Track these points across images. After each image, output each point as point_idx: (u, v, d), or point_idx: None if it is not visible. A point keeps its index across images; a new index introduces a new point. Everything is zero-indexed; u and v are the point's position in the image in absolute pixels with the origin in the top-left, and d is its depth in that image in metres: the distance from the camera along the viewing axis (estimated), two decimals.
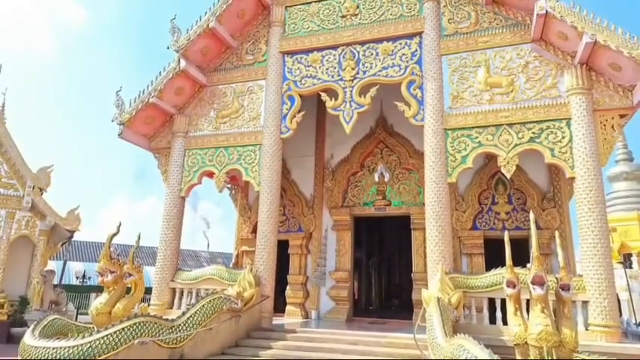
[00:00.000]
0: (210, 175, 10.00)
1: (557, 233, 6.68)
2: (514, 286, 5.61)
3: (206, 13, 9.69)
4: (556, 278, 5.58)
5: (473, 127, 8.04)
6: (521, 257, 7.14)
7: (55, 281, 15.42)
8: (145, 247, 27.86)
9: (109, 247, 6.88)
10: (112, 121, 9.80)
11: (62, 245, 14.61)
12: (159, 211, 10.11)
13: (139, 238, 7.47)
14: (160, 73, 9.82)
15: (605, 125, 7.34)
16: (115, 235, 7.03)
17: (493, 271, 7.36)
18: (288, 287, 11.39)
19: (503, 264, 6.33)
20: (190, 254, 31.78)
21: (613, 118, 7.38)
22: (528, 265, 5.91)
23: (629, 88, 7.27)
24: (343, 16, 9.55)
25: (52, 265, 16.69)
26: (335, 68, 9.31)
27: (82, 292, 19.78)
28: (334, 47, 9.43)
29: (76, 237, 14.57)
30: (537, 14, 7.49)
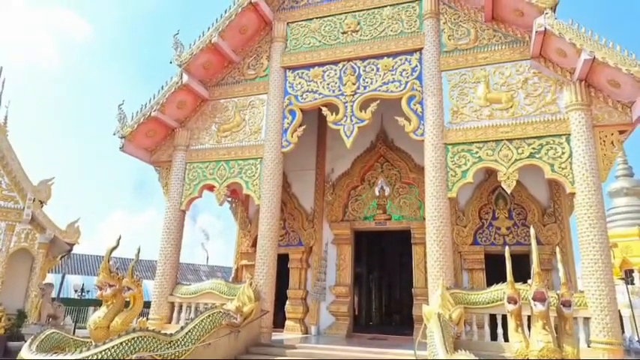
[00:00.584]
0: (211, 188, 10.02)
1: (557, 249, 6.67)
2: (515, 302, 5.59)
3: (209, 28, 9.82)
4: (557, 294, 5.55)
5: (473, 142, 8.07)
6: (522, 273, 7.12)
7: (54, 295, 15.32)
8: (144, 260, 27.77)
9: (109, 261, 6.86)
10: (114, 134, 9.86)
11: (61, 258, 14.55)
12: (158, 224, 10.11)
13: (139, 252, 7.46)
14: (163, 87, 9.91)
15: (604, 141, 7.36)
16: (114, 248, 7.01)
17: (494, 287, 7.31)
18: (287, 302, 11.31)
19: (504, 279, 6.31)
20: (190, 268, 31.64)
21: (612, 134, 7.40)
22: (529, 281, 5.89)
23: (627, 105, 7.31)
24: (344, 32, 9.66)
25: (51, 278, 16.59)
26: (336, 83, 9.39)
27: (80, 305, 19.65)
28: (335, 62, 9.52)
29: (76, 250, 14.49)
30: (536, 31, 7.57)
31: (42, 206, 13.14)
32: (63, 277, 19.40)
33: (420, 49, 8.93)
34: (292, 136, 9.48)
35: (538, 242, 6.63)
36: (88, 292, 19.23)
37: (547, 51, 7.89)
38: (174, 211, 9.86)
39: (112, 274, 6.86)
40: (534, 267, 5.63)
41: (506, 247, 6.49)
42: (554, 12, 7.50)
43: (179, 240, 9.89)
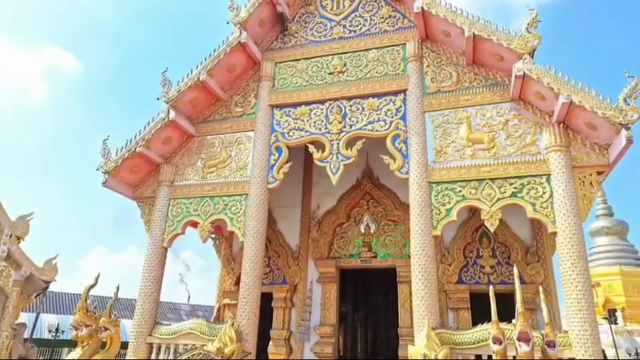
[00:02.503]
0: (195, 224, 9.89)
1: (541, 288, 6.69)
2: (500, 343, 5.54)
3: (197, 66, 9.98)
4: (541, 334, 5.53)
5: (456, 181, 8.20)
6: (507, 312, 7.07)
7: (26, 335, 14.65)
8: (123, 298, 26.92)
9: (86, 300, 6.65)
10: (97, 169, 9.77)
11: (36, 296, 14.02)
12: (139, 261, 9.91)
13: (118, 290, 7.27)
14: (149, 122, 9.93)
15: (583, 182, 7.54)
16: (92, 286, 6.82)
17: (479, 327, 7.24)
18: (270, 343, 10.99)
19: (489, 319, 6.26)
20: (170, 307, 30.75)
21: (591, 174, 7.59)
22: (514, 321, 5.86)
23: (605, 147, 7.55)
24: (331, 73, 9.91)
25: (24, 317, 15.92)
26: (322, 121, 9.54)
27: (54, 346, 18.80)
28: (322, 102, 9.71)
29: (52, 287, 14.00)
30: (515, 75, 7.87)
31: (19, 242, 12.77)
32: (37, 317, 18.63)
33: (404, 91, 9.19)
34: (278, 173, 9.52)
35: (522, 281, 6.65)
36: (62, 332, 18.48)
37: (526, 94, 8.18)
38: (156, 248, 9.67)
39: (88, 313, 6.65)
40: (518, 306, 5.62)
41: (491, 287, 6.48)
42: (533, 57, 7.83)
43: (160, 278, 9.65)
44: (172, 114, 9.79)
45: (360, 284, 15.36)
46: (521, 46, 7.81)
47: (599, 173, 7.64)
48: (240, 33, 9.94)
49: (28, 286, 13.09)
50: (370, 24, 10.10)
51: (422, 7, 8.84)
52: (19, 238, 12.80)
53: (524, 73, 7.72)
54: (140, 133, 9.88)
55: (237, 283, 10.03)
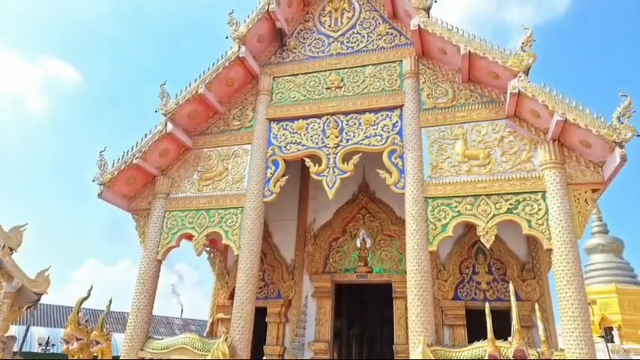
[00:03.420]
0: (190, 237, 9.83)
1: (537, 306, 6.67)
2: None
3: (196, 80, 10.04)
4: (537, 352, 5.49)
5: (452, 197, 8.22)
6: (503, 329, 7.03)
7: (16, 348, 14.40)
8: (116, 312, 26.59)
9: (78, 312, 6.58)
10: (93, 181, 9.74)
11: (27, 309, 13.82)
12: (132, 274, 9.80)
13: (110, 303, 7.20)
14: (146, 134, 9.94)
15: (578, 199, 7.57)
16: (85, 299, 6.76)
17: (475, 344, 7.18)
18: (264, 359, 10.85)
19: (485, 336, 6.22)
20: (162, 321, 30.38)
21: (586, 192, 7.63)
22: (510, 339, 5.83)
23: (599, 164, 7.60)
24: (328, 88, 9.99)
25: (14, 330, 15.70)
26: (319, 135, 9.58)
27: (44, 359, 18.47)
28: (319, 116, 9.76)
29: (43, 300, 13.81)
30: (510, 93, 7.96)
31: (12, 253, 12.63)
32: (27, 329, 18.36)
33: (401, 106, 9.26)
34: (275, 186, 9.51)
35: (518, 298, 6.63)
36: (53, 345, 18.18)
37: (521, 111, 8.26)
38: (150, 261, 9.59)
39: (80, 326, 6.57)
40: (514, 324, 5.60)
41: (487, 304, 6.45)
42: (527, 75, 7.92)
43: (153, 291, 9.55)
44: (170, 126, 9.81)
45: (355, 299, 15.24)
46: (516, 65, 7.91)
47: (594, 191, 7.68)
48: (239, 48, 10.03)
49: (20, 298, 12.89)
50: (367, 41, 10.22)
51: (418, 25, 8.96)
52: (11, 250, 12.66)
53: (519, 90, 7.81)
54: (137, 145, 9.88)
55: (232, 297, 9.95)
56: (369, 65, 9.92)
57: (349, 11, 10.72)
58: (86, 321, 6.90)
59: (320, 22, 10.91)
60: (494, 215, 7.80)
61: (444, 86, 9.23)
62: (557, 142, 7.87)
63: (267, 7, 10.17)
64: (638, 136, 6.83)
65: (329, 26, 10.76)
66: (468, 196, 8.10)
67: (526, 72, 7.90)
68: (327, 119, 9.66)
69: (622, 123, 6.96)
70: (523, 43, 7.98)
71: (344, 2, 10.84)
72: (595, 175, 7.59)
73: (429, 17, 8.95)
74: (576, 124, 7.24)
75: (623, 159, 6.86)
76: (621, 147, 6.87)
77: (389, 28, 10.18)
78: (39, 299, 13.47)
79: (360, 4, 10.71)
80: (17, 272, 12.56)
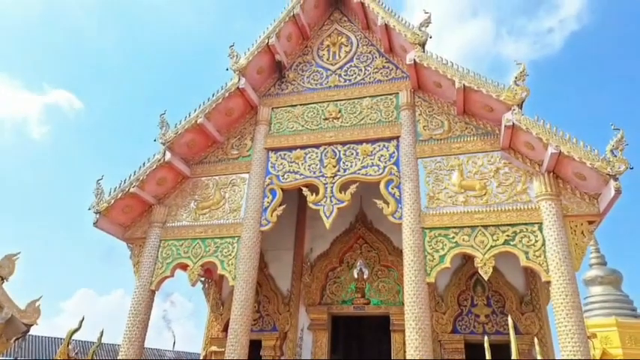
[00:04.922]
0: (185, 267, 9.72)
1: (536, 340, 6.58)
2: None
3: (195, 110, 10.16)
4: None
5: (449, 227, 8.21)
6: None
7: None
8: (107, 344, 25.89)
9: (68, 345, 6.42)
10: (89, 209, 9.69)
11: (15, 341, 13.46)
12: (125, 304, 9.62)
13: (102, 335, 7.03)
14: (144, 163, 9.97)
15: (575, 231, 7.58)
16: (75, 330, 6.62)
17: None
18: None
19: None
20: (154, 353, 29.57)
21: (582, 224, 7.65)
22: None
23: (594, 196, 7.65)
24: (326, 119, 10.13)
25: None
26: (317, 165, 9.64)
27: None
28: (317, 146, 9.86)
29: (33, 331, 13.49)
30: (505, 125, 8.08)
31: (3, 283, 12.40)
32: None
33: (397, 137, 9.37)
34: (272, 215, 9.49)
35: (517, 332, 6.54)
36: None
37: (516, 144, 8.36)
38: (144, 291, 9.44)
39: (70, 359, 6.39)
40: (514, 358, 5.49)
41: (486, 337, 6.36)
42: (522, 109, 8.07)
43: (146, 322, 9.35)
44: (168, 155, 9.86)
45: (352, 332, 14.94)
46: (509, 98, 8.07)
47: (590, 222, 7.70)
48: (239, 79, 10.21)
49: (8, 330, 12.52)
50: (365, 74, 10.44)
51: (414, 60, 9.18)
52: (3, 279, 12.43)
53: (513, 123, 7.93)
54: (134, 174, 9.90)
55: (226, 329, 9.75)
56: (366, 97, 10.10)
57: (347, 45, 11.00)
58: (76, 353, 6.74)
59: (318, 55, 11.16)
60: (492, 246, 7.78)
61: (440, 118, 9.37)
62: (552, 174, 7.94)
63: (267, 41, 10.42)
64: (631, 168, 6.90)
65: (327, 59, 11.01)
66: (465, 226, 8.10)
67: (520, 105, 8.04)
68: (325, 149, 9.75)
69: (615, 156, 7.05)
70: (516, 78, 8.16)
71: (342, 37, 11.13)
72: (591, 207, 7.63)
73: (424, 52, 9.18)
74: (570, 156, 7.33)
75: (618, 191, 6.91)
76: (615, 179, 6.93)
77: (385, 62, 10.42)
78: (28, 330, 13.12)
79: (357, 39, 10.99)
80: (7, 302, 12.24)
